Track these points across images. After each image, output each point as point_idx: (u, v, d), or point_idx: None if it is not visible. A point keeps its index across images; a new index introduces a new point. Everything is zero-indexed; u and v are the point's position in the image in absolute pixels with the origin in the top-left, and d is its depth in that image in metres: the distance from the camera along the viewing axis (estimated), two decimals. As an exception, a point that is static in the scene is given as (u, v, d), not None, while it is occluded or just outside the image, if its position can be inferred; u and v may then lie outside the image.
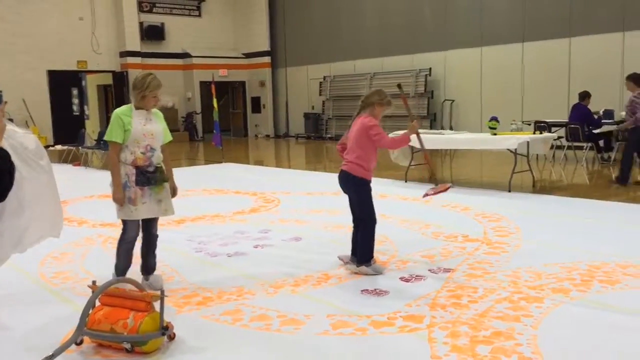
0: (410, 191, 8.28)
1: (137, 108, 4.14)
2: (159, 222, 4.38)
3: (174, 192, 4.36)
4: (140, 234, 4.32)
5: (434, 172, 4.55)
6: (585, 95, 10.80)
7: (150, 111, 4.20)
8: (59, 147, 14.49)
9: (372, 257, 4.59)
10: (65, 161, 13.64)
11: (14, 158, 2.19)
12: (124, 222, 4.21)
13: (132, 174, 4.08)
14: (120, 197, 4.07)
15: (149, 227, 4.31)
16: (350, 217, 4.71)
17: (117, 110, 4.15)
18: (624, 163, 8.48)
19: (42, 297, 4.21)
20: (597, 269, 4.48)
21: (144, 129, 4.10)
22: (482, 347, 3.14)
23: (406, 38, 16.91)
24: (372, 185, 4.59)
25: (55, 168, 9.97)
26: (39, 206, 2.36)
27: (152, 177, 4.12)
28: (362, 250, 4.56)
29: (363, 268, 4.54)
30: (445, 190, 4.91)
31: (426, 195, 4.96)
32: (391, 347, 3.23)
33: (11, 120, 15.51)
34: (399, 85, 5.04)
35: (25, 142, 2.30)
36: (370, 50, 17.90)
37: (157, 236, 4.37)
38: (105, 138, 4.20)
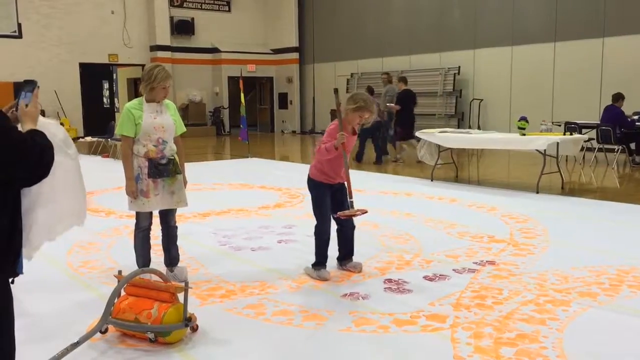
0: (436, 190, 8.22)
1: (147, 101, 4.13)
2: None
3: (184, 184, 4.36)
4: (160, 227, 4.35)
5: (351, 192, 4.32)
6: (618, 97, 10.60)
7: (162, 103, 4.17)
8: (88, 138, 14.71)
9: (322, 262, 4.41)
10: (94, 153, 13.83)
11: None
12: (137, 213, 4.24)
13: (145, 166, 4.09)
14: (133, 190, 4.09)
15: (167, 219, 4.33)
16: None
17: (128, 104, 4.15)
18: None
19: (69, 285, 4.28)
20: (627, 273, 4.38)
21: (154, 122, 4.09)
22: (506, 349, 3.10)
23: (434, 36, 16.77)
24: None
25: (85, 159, 9.96)
26: (68, 193, 2.39)
27: (164, 170, 4.13)
28: (315, 252, 4.44)
29: (309, 269, 4.45)
30: (355, 215, 4.37)
31: (338, 217, 4.43)
32: (413, 346, 3.20)
33: (42, 111, 15.85)
34: (335, 90, 4.43)
35: (55, 131, 2.35)
36: (398, 47, 17.79)
37: (176, 228, 4.39)
38: (116, 132, 4.21)
